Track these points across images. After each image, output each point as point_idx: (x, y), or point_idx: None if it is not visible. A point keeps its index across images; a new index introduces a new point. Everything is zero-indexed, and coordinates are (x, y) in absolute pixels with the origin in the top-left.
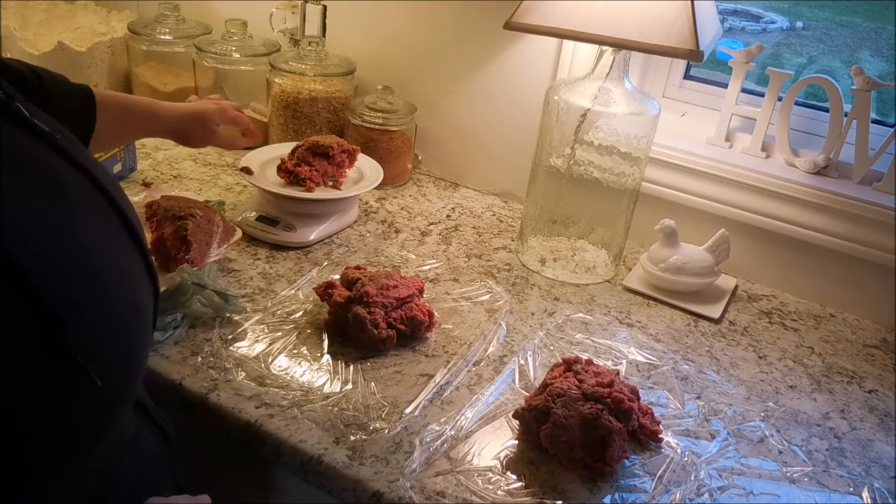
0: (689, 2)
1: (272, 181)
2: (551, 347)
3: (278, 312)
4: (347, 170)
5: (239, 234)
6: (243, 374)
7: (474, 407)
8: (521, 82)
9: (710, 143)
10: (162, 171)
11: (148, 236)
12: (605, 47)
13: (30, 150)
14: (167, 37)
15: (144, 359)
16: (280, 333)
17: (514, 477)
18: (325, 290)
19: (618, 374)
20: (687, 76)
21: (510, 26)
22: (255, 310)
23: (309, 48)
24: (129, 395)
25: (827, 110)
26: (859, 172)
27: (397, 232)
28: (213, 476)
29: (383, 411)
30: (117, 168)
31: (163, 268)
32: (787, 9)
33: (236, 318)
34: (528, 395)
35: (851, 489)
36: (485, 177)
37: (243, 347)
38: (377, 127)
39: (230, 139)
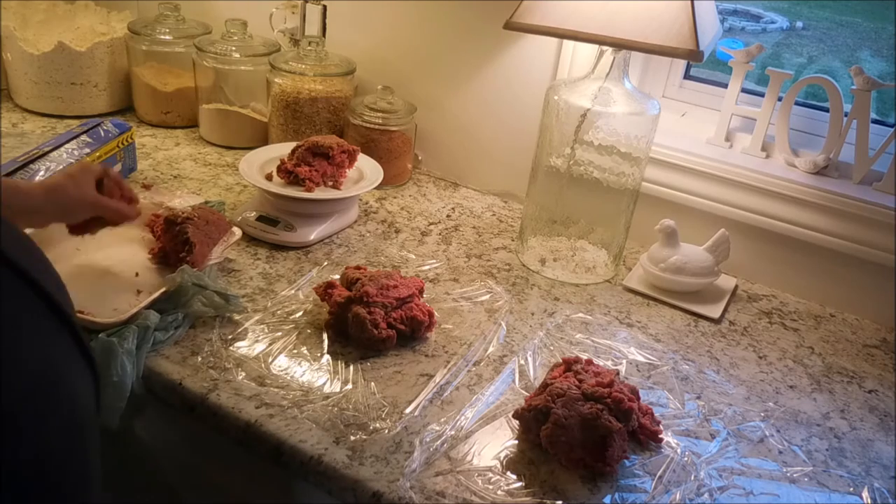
0: (689, 2)
1: (272, 181)
2: (551, 347)
3: (278, 312)
4: (347, 170)
5: (239, 234)
6: (243, 374)
7: (474, 407)
8: (521, 82)
9: (710, 143)
10: (162, 171)
11: (151, 242)
12: (605, 47)
13: None
14: (167, 37)
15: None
16: (280, 333)
17: (514, 477)
18: (325, 290)
19: (618, 374)
20: (687, 76)
21: (510, 26)
22: (255, 310)
23: (309, 48)
24: None
25: (827, 110)
26: (859, 172)
27: (397, 232)
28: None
29: (383, 411)
30: (117, 168)
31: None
32: (787, 9)
33: (236, 317)
34: (528, 395)
35: (851, 489)
36: (485, 177)
37: (243, 347)
38: (377, 127)
39: (118, 207)
